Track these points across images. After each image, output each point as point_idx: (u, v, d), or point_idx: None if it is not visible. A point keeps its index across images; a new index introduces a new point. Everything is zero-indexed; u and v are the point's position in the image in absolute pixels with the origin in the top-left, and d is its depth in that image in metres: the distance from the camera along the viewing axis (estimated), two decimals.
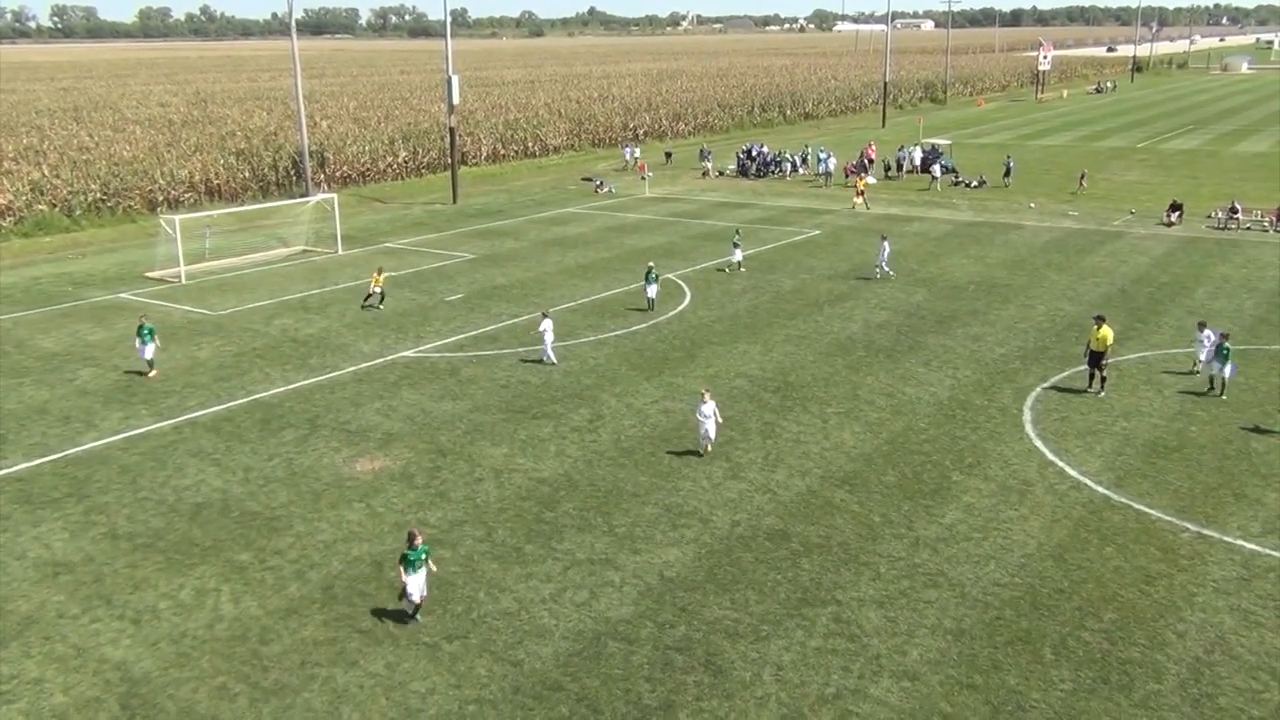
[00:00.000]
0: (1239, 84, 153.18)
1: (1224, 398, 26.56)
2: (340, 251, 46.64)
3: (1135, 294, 37.23)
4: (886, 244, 40.18)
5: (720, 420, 23.56)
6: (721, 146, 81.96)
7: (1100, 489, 21.63)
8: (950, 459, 23.27)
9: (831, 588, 18.05)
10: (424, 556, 16.97)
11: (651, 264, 37.24)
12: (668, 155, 77.35)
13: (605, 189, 63.77)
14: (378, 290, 36.35)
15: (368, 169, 69.48)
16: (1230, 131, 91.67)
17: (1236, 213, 49.38)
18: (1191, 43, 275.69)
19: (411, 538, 16.95)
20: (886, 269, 39.83)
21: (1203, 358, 27.32)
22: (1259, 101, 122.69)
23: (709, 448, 23.53)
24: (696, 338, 32.74)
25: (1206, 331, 27.25)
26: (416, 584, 16.87)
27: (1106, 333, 26.82)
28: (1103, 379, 27.11)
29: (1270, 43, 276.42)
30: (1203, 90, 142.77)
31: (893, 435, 24.67)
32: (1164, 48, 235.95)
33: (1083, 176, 61.33)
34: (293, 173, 63.65)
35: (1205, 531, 19.78)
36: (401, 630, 16.99)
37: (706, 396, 23.36)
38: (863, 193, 56.83)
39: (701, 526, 20.30)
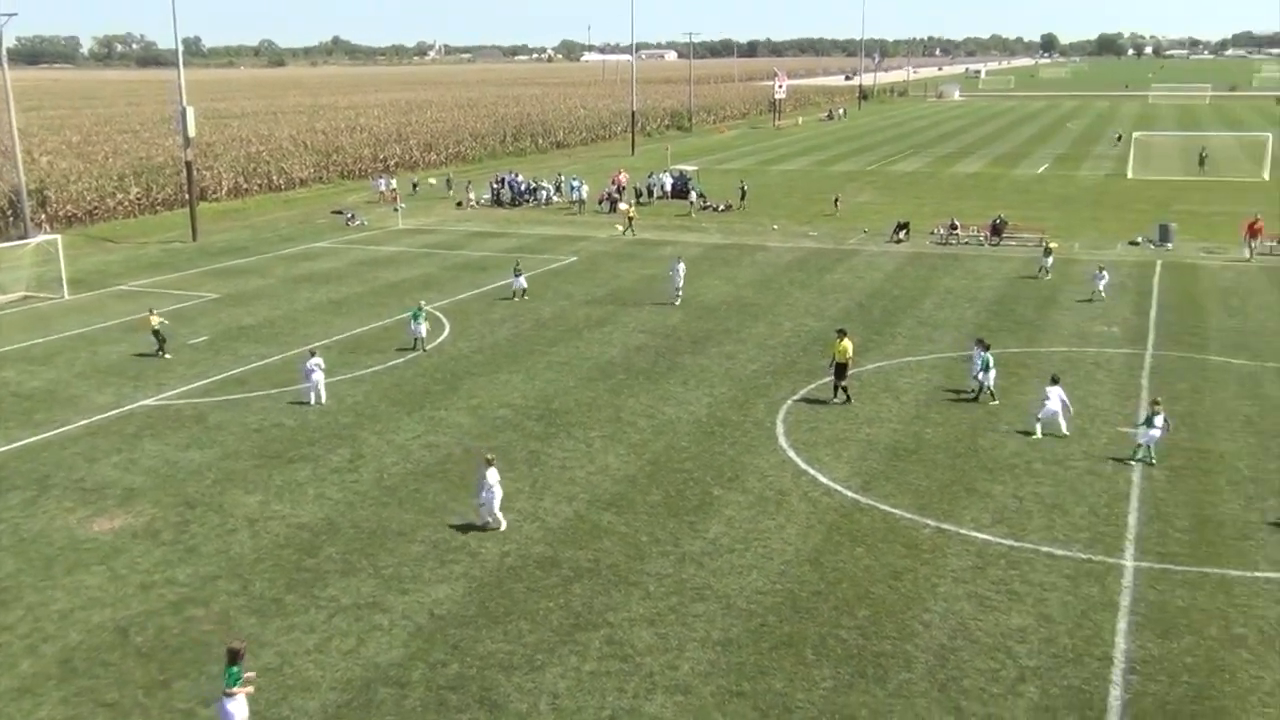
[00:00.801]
0: (952, 110, 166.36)
1: (996, 403, 28.50)
2: (66, 296, 43.42)
3: (871, 307, 39.67)
4: (682, 266, 41.25)
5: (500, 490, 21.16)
6: (475, 176, 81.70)
7: (849, 493, 22.86)
8: (711, 475, 24.01)
9: (603, 610, 18.23)
10: (238, 673, 14.58)
11: (422, 302, 36.51)
12: (414, 186, 76.25)
13: (357, 222, 62.31)
14: (155, 330, 34.05)
15: (95, 207, 65.10)
16: (947, 154, 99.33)
17: (956, 229, 53.53)
18: (914, 71, 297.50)
19: (234, 655, 14.54)
20: (679, 291, 40.63)
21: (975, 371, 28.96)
22: (970, 126, 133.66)
23: (491, 524, 21.08)
24: (458, 369, 32.43)
25: (977, 349, 29.01)
26: (241, 709, 14.50)
27: (846, 345, 28.45)
28: (844, 389, 28.67)
29: (978, 72, 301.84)
30: (922, 116, 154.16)
31: (655, 455, 25.23)
32: (887, 77, 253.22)
33: (837, 199, 64.78)
34: (9, 213, 58.81)
35: (943, 526, 21.25)
36: (151, 700, 15.90)
37: (489, 462, 21.32)
38: (632, 219, 57.81)
39: (470, 560, 20.07)
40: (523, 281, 41.87)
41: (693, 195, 66.02)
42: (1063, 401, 26.00)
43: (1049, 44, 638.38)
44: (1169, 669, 16.36)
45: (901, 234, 53.79)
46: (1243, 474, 23.62)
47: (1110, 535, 20.71)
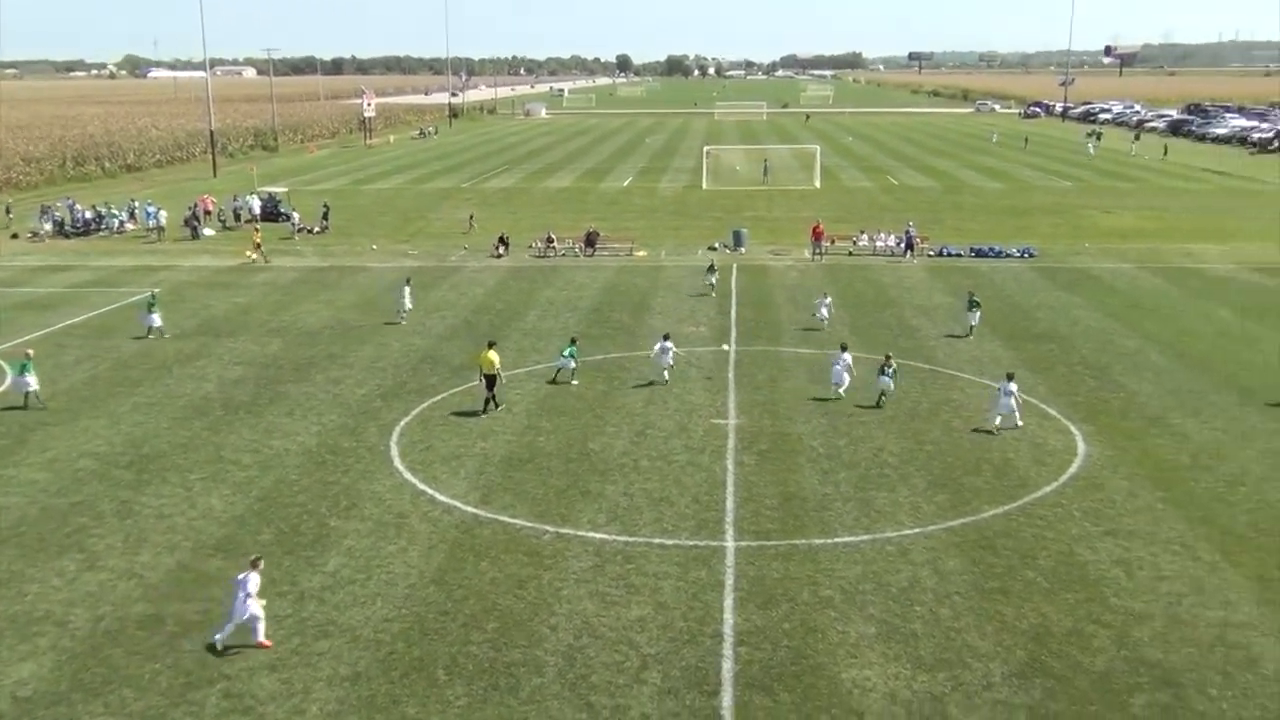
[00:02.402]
0: (540, 127, 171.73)
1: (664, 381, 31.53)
2: None
3: (478, 323, 40.08)
4: (408, 289, 40.72)
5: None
6: (34, 204, 73.55)
7: (469, 508, 22.98)
8: (326, 505, 23.22)
9: (218, 664, 17.09)
10: None
11: (30, 352, 31.96)
12: None
13: None
14: None
15: None
16: (538, 170, 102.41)
17: (553, 242, 55.34)
18: (513, 89, 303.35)
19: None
20: (404, 313, 40.24)
21: (668, 361, 31.86)
22: (558, 143, 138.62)
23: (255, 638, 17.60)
24: (27, 420, 29.08)
25: (667, 343, 32.09)
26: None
27: (493, 356, 29.12)
28: (493, 398, 29.27)
29: (562, 91, 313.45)
30: (512, 133, 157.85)
31: (264, 492, 24.01)
32: (476, 95, 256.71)
33: (471, 217, 64.26)
34: None
35: (562, 530, 21.91)
36: None
37: (254, 564, 18.08)
38: (259, 245, 54.20)
39: (58, 631, 18.07)
40: (157, 319, 38.20)
41: (295, 217, 63.46)
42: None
43: (624, 64, 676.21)
44: (771, 636, 17.89)
45: (501, 248, 54.83)
46: (818, 452, 26.32)
47: (712, 520, 22.31)
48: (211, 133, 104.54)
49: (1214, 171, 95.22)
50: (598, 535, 21.67)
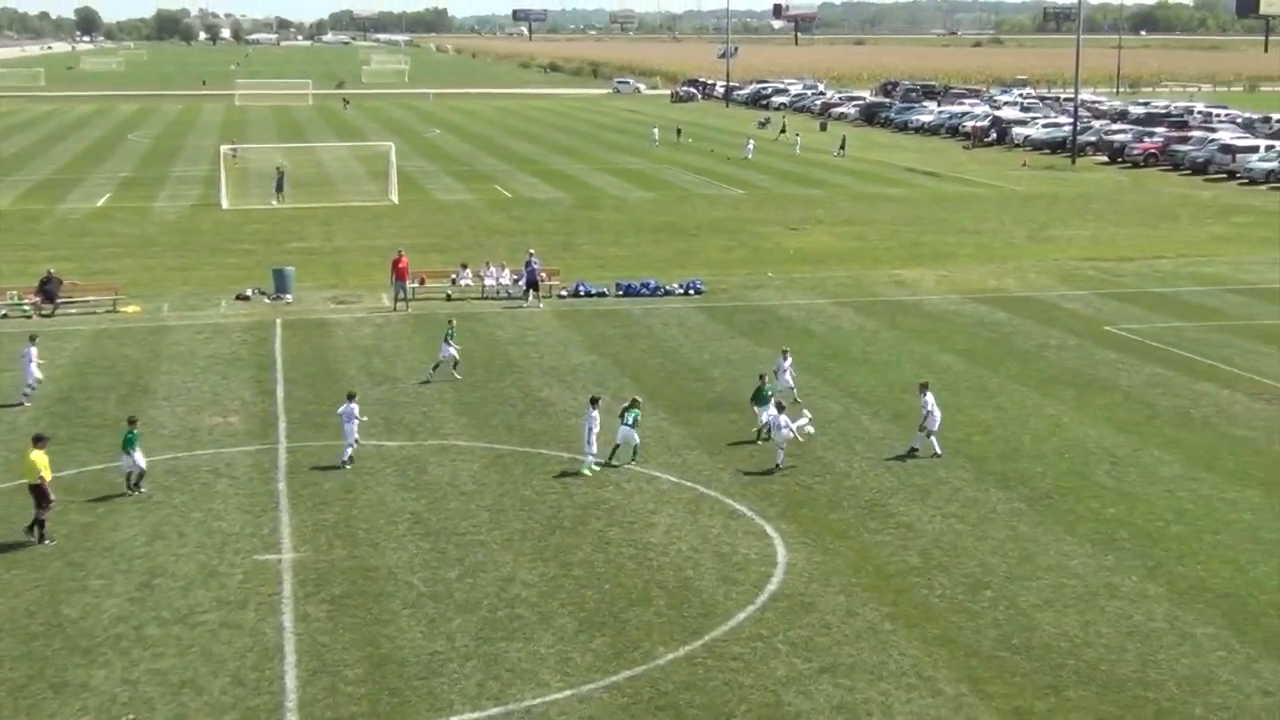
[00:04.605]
0: None
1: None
2: None
3: None
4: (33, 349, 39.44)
5: None
6: None
7: None
8: None
9: None
10: None
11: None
12: None
13: None
14: None
15: None
16: None
17: None
18: None
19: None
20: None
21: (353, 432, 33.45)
22: None
23: None
24: None
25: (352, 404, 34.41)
26: None
27: (37, 457, 28.49)
28: (39, 525, 28.58)
29: None
30: None
31: None
32: None
33: None
34: None
35: None
36: None
37: None
38: None
39: None
40: None
41: None
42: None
43: (89, 23, 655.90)
44: None
45: None
46: (419, 590, 26.36)
47: (266, 709, 21.72)
48: None
49: (922, 172, 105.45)
50: None
